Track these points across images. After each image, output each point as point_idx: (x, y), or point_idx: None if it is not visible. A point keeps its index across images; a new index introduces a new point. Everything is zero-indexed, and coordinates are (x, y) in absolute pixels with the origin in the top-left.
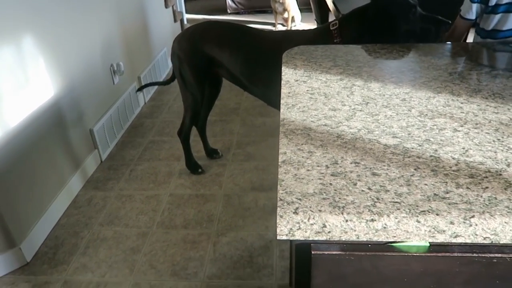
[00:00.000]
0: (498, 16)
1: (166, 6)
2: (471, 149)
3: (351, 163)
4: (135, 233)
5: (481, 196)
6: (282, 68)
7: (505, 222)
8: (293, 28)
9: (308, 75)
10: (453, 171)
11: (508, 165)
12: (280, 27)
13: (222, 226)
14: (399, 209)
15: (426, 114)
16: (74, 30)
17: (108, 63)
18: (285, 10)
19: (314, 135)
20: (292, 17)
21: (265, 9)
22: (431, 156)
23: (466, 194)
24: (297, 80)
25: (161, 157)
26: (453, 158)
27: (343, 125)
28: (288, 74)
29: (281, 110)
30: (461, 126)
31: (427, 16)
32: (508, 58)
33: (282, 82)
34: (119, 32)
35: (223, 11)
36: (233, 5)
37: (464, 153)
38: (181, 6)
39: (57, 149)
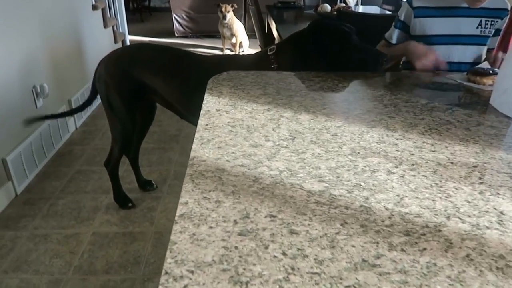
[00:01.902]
0: None
1: (105, 26)
2: (406, 196)
3: (265, 216)
4: (45, 281)
5: (418, 262)
6: (205, 95)
7: None
8: (241, 54)
9: (233, 104)
10: (386, 226)
11: (448, 218)
12: (227, 52)
13: (150, 269)
14: (318, 284)
15: (358, 152)
16: None
17: (29, 84)
18: (233, 35)
19: (227, 179)
20: (240, 43)
21: (213, 33)
22: (361, 206)
23: (400, 259)
24: (219, 110)
25: (88, 190)
26: (387, 209)
27: (263, 166)
28: (210, 103)
29: (193, 146)
30: (396, 167)
31: (363, 47)
32: (444, 90)
33: (201, 112)
34: (44, 51)
35: (171, 34)
36: (181, 28)
37: (398, 202)
38: (123, 27)
39: None
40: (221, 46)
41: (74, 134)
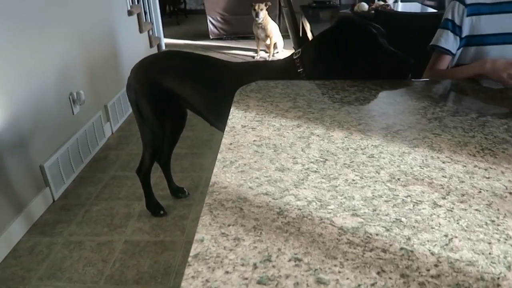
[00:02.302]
0: (473, 49)
1: (141, 31)
2: (456, 237)
3: (289, 260)
4: None
5: None
6: (231, 109)
7: None
8: (276, 55)
9: (260, 119)
10: (432, 277)
11: (509, 268)
12: (262, 54)
13: (180, 281)
14: None
15: (399, 179)
16: (22, 56)
17: (66, 91)
18: (267, 36)
19: (249, 210)
20: (275, 44)
21: (248, 35)
22: (401, 249)
23: None
24: (244, 126)
25: (121, 196)
26: (432, 254)
27: (290, 194)
28: (235, 118)
29: (214, 170)
30: (443, 198)
31: (389, 50)
32: (497, 100)
33: (226, 129)
34: (81, 58)
35: (205, 36)
36: (215, 30)
37: (447, 245)
38: (158, 31)
39: None
40: (256, 48)
41: (110, 139)
